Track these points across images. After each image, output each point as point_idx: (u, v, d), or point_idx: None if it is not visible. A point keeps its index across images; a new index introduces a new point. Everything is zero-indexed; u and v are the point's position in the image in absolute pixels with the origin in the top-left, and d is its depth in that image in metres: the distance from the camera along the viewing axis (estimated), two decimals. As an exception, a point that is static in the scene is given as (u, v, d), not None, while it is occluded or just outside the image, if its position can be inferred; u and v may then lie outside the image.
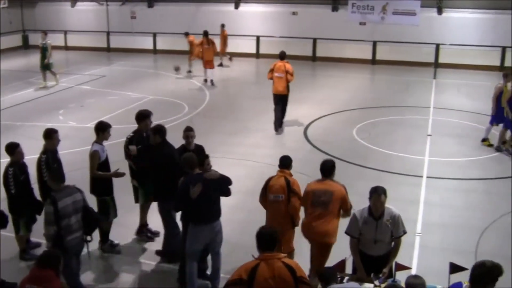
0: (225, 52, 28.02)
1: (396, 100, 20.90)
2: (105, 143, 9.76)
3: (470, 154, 15.26)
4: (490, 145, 15.70)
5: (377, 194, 7.35)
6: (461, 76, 25.98)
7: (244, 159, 14.59)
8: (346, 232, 7.69)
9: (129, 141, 10.00)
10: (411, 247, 9.90)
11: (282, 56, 17.21)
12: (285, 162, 8.89)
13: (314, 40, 29.37)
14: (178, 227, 9.42)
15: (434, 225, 11.11)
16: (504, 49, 27.22)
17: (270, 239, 6.07)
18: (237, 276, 5.92)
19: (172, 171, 9.05)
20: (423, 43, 27.90)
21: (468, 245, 10.29)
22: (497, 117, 15.52)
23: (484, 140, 15.96)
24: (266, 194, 8.72)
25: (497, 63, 27.39)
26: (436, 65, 27.80)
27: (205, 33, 24.27)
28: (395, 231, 7.48)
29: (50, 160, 9.44)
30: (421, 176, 13.55)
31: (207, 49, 23.86)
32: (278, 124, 17.01)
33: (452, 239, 10.61)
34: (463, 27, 27.99)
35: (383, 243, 7.53)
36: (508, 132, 15.46)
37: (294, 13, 29.80)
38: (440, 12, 28.57)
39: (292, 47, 28.77)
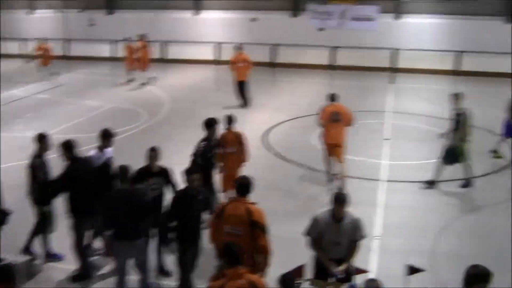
0: (145, 67, 25.45)
1: (355, 105, 20.97)
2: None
3: (427, 157, 15.50)
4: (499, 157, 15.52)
5: (339, 199, 7.41)
6: (418, 80, 26.44)
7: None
8: (305, 233, 7.69)
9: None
10: (370, 250, 10.01)
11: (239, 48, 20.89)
12: (244, 189, 7.45)
13: (274, 46, 29.53)
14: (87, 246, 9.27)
15: (392, 227, 11.26)
16: (459, 53, 27.79)
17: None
18: None
19: (87, 186, 8.88)
20: (381, 48, 28.31)
21: (426, 246, 10.46)
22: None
23: (494, 151, 15.83)
24: (219, 224, 7.42)
25: (452, 67, 27.95)
26: (394, 69, 28.22)
27: (142, 37, 24.98)
28: (355, 234, 7.56)
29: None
30: (380, 180, 13.73)
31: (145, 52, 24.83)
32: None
33: (411, 241, 10.77)
34: (419, 32, 28.53)
35: (343, 246, 7.58)
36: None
37: (253, 19, 29.91)
38: (397, 17, 29.04)
39: (252, 53, 28.74)
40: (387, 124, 18.54)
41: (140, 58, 24.82)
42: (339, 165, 13.24)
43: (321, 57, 28.93)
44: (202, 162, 10.25)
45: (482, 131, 18.22)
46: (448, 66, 28.01)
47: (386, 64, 28.40)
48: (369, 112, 20.18)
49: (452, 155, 13.03)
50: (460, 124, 12.87)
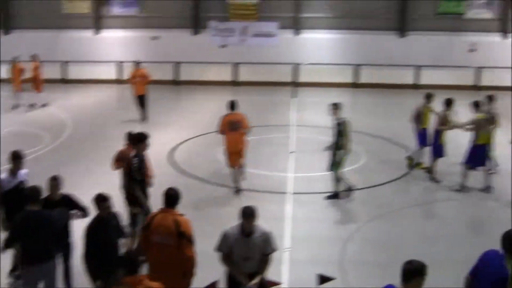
0: (40, 89, 24.29)
1: (259, 120, 21.31)
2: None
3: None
4: (424, 168, 15.60)
5: (247, 214, 7.46)
6: (319, 93, 27.09)
7: (111, 189, 14.26)
8: (216, 249, 7.71)
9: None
10: (281, 262, 10.13)
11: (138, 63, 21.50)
12: (172, 200, 7.69)
13: (176, 64, 29.46)
14: None
15: (301, 239, 11.45)
16: (356, 67, 28.83)
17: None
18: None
19: None
20: (282, 63, 28.85)
21: (334, 255, 10.71)
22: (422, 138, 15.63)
23: (417, 164, 15.95)
24: (148, 235, 7.65)
25: (351, 80, 28.96)
26: (296, 84, 28.83)
27: (34, 57, 24.09)
28: (266, 248, 7.60)
29: None
30: (286, 193, 13.94)
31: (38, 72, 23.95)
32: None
33: (319, 251, 11.00)
34: (319, 47, 29.34)
35: (254, 260, 7.60)
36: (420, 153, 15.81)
37: (154, 38, 29.73)
38: (297, 33, 29.73)
39: (155, 72, 28.60)
40: (291, 138, 18.87)
41: (32, 79, 23.87)
42: (238, 171, 13.86)
43: (224, 74, 29.14)
44: (140, 178, 10.15)
45: (382, 140, 18.92)
46: (348, 79, 29.01)
47: (288, 78, 28.99)
48: (274, 126, 20.50)
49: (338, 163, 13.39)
50: (341, 133, 13.24)
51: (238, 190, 13.86)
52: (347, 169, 15.70)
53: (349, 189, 13.54)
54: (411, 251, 10.96)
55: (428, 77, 28.50)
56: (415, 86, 28.79)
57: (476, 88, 28.23)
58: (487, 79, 28.69)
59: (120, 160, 11.07)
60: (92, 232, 7.85)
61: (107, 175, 14.62)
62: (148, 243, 7.60)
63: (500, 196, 13.86)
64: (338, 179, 13.40)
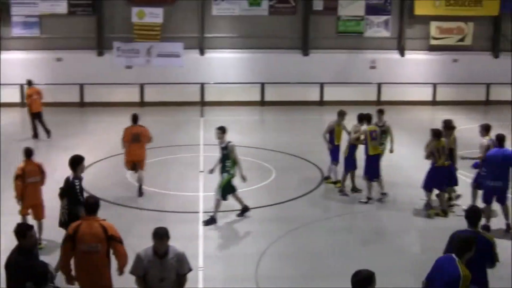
0: None
1: (167, 140, 21.25)
2: None
3: (240, 185, 16.01)
4: (334, 183, 15.87)
5: (159, 235, 7.43)
6: (226, 112, 27.29)
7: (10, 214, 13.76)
8: (131, 272, 7.62)
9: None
10: (195, 282, 10.08)
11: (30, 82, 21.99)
12: (94, 208, 8.12)
13: (81, 86, 28.87)
14: None
15: (215, 257, 11.47)
16: (262, 85, 29.30)
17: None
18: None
19: None
20: (189, 83, 28.90)
21: (249, 272, 10.78)
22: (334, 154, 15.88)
23: (326, 178, 16.27)
24: (73, 245, 7.85)
25: (258, 98, 29.40)
26: (203, 103, 28.93)
27: None
28: (181, 268, 7.58)
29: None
30: (198, 212, 13.93)
31: None
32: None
33: (234, 269, 11.05)
34: (224, 66, 29.61)
35: (169, 281, 7.56)
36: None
37: (58, 59, 29.05)
38: (202, 53, 29.88)
39: (59, 94, 28.03)
40: (201, 157, 18.89)
41: None
42: (139, 172, 15.10)
43: (131, 95, 28.80)
44: (82, 200, 9.79)
45: (291, 156, 19.27)
46: (255, 97, 29.42)
47: (195, 98, 29.06)
48: (183, 146, 20.46)
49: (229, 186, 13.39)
50: (227, 156, 13.28)
51: (140, 191, 15.12)
52: (258, 186, 15.93)
53: (245, 210, 13.57)
54: (325, 264, 11.26)
55: (332, 94, 29.40)
56: (320, 103, 29.63)
57: (377, 103, 29.30)
58: (387, 94, 29.90)
59: (21, 177, 11.49)
60: (16, 265, 7.23)
61: (6, 201, 14.05)
62: (72, 253, 7.91)
63: (400, 206, 14.42)
64: (218, 204, 13.22)
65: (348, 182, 15.43)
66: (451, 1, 30.41)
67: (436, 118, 26.61)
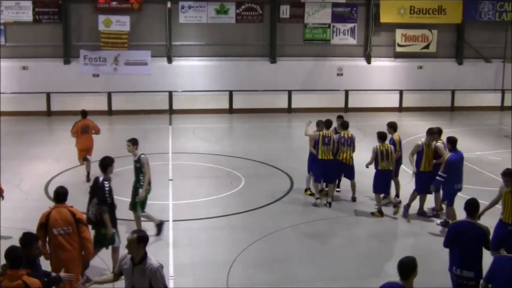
0: None
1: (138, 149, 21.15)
2: None
3: (210, 193, 16.05)
4: (312, 194, 15.66)
5: (131, 240, 7.35)
6: (194, 120, 27.31)
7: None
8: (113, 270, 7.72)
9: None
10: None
11: None
12: (63, 197, 9.09)
13: (48, 94, 28.57)
14: None
15: (185, 266, 11.44)
16: (231, 92, 29.36)
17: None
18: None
19: None
20: (157, 92, 28.83)
21: (220, 280, 10.79)
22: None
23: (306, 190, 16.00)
24: (46, 230, 8.84)
25: (226, 106, 29.45)
26: (171, 111, 28.88)
27: None
28: (155, 284, 7.35)
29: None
30: (168, 220, 13.88)
31: None
32: None
33: (205, 277, 11.03)
34: (192, 74, 29.62)
35: None
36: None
37: (24, 68, 28.72)
38: (170, 61, 29.84)
39: (25, 103, 27.74)
40: (170, 165, 18.85)
41: None
42: (87, 164, 17.09)
43: (98, 103, 28.55)
44: (110, 201, 10.43)
45: (259, 163, 19.33)
46: (223, 105, 29.45)
47: (163, 106, 28.99)
48: (153, 154, 20.33)
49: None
50: (139, 170, 12.72)
51: (89, 179, 16.44)
52: (225, 194, 15.97)
53: (161, 224, 12.97)
54: (296, 270, 11.32)
55: (300, 101, 29.61)
56: (288, 110, 29.81)
57: (345, 110, 29.60)
58: (355, 101, 30.23)
59: None
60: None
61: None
62: (46, 237, 8.89)
63: (367, 210, 14.59)
64: (139, 219, 12.76)
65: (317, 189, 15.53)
66: (415, 9, 30.92)
67: (403, 124, 26.99)
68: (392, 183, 14.84)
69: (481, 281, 8.05)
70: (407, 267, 6.85)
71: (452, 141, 13.18)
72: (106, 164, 10.81)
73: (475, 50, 32.35)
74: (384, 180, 14.38)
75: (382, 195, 14.66)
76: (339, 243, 12.91)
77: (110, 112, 28.84)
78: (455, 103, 31.61)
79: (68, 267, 8.61)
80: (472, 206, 8.82)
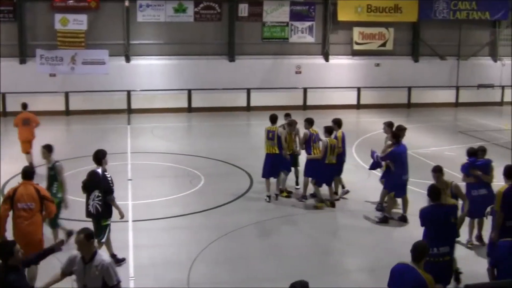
0: None
1: (94, 149, 20.51)
2: None
3: (169, 193, 16.02)
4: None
5: (76, 234, 7.38)
6: (153, 119, 27.18)
7: None
8: (62, 268, 7.62)
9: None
10: (126, 292, 10.05)
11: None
12: (30, 175, 10.08)
13: (3, 95, 28.03)
14: None
15: (145, 266, 11.41)
16: (189, 91, 29.31)
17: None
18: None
19: None
20: (115, 91, 28.58)
21: (181, 279, 10.80)
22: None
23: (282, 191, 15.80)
24: (11, 204, 9.69)
25: (185, 105, 29.37)
26: (129, 111, 28.66)
27: None
28: (108, 280, 7.36)
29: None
30: (127, 221, 13.80)
31: None
32: None
33: (165, 277, 11.03)
34: (151, 73, 29.44)
35: None
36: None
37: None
38: (128, 60, 29.61)
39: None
40: (129, 165, 18.74)
41: None
42: (29, 156, 17.97)
43: (55, 103, 28.16)
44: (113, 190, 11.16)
45: (219, 162, 19.37)
46: (182, 104, 29.37)
47: (122, 106, 28.75)
48: (112, 154, 20.10)
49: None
50: (53, 178, 12.34)
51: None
52: (184, 194, 15.97)
53: (70, 234, 12.04)
54: (257, 268, 11.40)
55: (259, 99, 29.72)
56: (247, 108, 29.90)
57: (304, 107, 29.84)
58: (313, 99, 30.48)
59: None
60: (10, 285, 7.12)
61: None
62: (10, 211, 9.71)
63: (326, 208, 14.78)
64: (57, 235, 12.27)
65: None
66: (372, 8, 31.33)
67: (361, 121, 27.41)
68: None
69: (488, 267, 8.65)
70: (419, 250, 7.49)
71: (396, 136, 13.68)
72: (100, 157, 11.31)
73: (430, 48, 32.95)
74: (330, 173, 14.75)
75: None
76: (299, 240, 13.03)
77: (67, 112, 28.49)
78: (411, 100, 32.16)
79: (28, 239, 9.49)
80: (433, 190, 9.40)
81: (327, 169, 14.64)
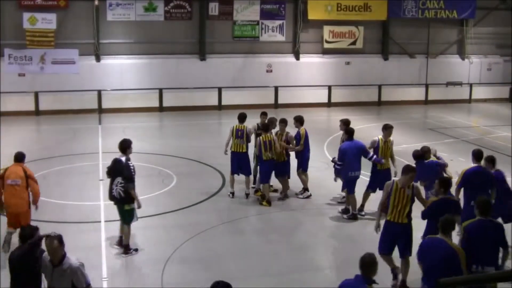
0: None
1: (64, 149, 20.83)
2: None
3: (142, 193, 15.89)
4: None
5: (49, 240, 7.36)
6: (124, 119, 27.02)
7: None
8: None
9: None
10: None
11: None
12: (20, 157, 11.87)
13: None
14: None
15: (119, 267, 11.39)
16: (160, 90, 29.21)
17: None
18: None
19: None
20: (85, 91, 28.34)
21: (154, 279, 10.80)
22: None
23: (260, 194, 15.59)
24: (3, 181, 11.50)
25: (156, 104, 29.26)
26: (100, 110, 28.46)
27: None
28: (77, 283, 7.33)
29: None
30: (99, 221, 13.76)
31: None
32: None
33: (138, 277, 11.02)
34: (121, 73, 29.28)
35: None
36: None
37: None
38: (98, 59, 29.39)
39: None
40: (100, 165, 18.62)
41: None
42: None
43: (25, 103, 27.82)
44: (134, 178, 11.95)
45: (191, 161, 19.36)
46: (153, 103, 29.25)
47: (92, 105, 28.52)
48: (82, 154, 20.09)
49: None
50: None
51: None
52: (158, 193, 15.93)
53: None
54: (230, 266, 11.45)
55: (230, 98, 29.75)
56: (219, 107, 29.91)
57: (275, 106, 29.97)
58: (284, 97, 30.62)
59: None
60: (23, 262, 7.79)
61: None
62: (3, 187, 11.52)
63: (295, 206, 14.89)
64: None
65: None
66: (342, 6, 31.58)
67: (332, 119, 27.60)
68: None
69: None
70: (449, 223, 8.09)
71: (349, 132, 14.00)
72: (125, 146, 12.06)
73: (399, 46, 33.33)
74: (268, 169, 14.88)
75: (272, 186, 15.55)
76: (271, 237, 13.11)
77: (37, 112, 28.17)
78: (381, 98, 32.48)
79: (17, 210, 11.58)
80: (445, 183, 9.96)
81: (265, 165, 14.80)
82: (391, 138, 14.20)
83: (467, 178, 11.26)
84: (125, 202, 11.67)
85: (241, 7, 30.71)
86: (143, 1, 29.42)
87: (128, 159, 11.86)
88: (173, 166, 18.63)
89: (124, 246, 11.84)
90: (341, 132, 15.01)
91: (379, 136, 14.17)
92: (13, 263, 7.86)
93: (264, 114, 16.21)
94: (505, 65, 35.04)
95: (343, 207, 14.38)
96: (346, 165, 13.77)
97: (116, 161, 11.92)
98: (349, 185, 13.89)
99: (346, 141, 13.94)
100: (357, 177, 13.93)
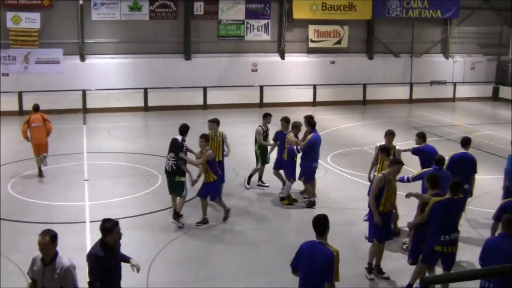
0: None
1: (49, 149, 20.66)
2: None
3: (127, 193, 15.93)
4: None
5: (41, 235, 7.30)
6: (109, 119, 26.92)
7: None
8: (28, 274, 7.51)
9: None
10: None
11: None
12: (37, 107, 17.43)
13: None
14: None
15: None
16: (145, 90, 29.14)
17: None
18: None
19: None
20: (70, 90, 28.20)
21: (139, 280, 10.76)
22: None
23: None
24: (29, 124, 16.97)
25: (141, 104, 29.18)
26: (85, 110, 28.33)
27: None
28: (64, 283, 7.26)
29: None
30: (85, 222, 13.72)
31: None
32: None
33: (124, 277, 10.89)
34: (106, 72, 29.16)
35: None
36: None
37: None
38: (83, 59, 29.26)
39: None
40: (85, 165, 18.58)
41: None
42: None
43: (8, 104, 27.47)
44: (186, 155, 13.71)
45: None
46: (138, 103, 29.17)
47: (77, 105, 28.38)
48: (67, 155, 20.01)
49: None
50: None
51: None
52: (143, 193, 15.89)
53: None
54: (215, 266, 11.48)
55: (216, 97, 29.77)
56: (204, 107, 29.88)
57: (260, 105, 30.00)
58: (270, 97, 30.65)
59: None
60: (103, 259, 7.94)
61: None
62: (28, 128, 17.03)
63: (280, 205, 14.94)
64: None
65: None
66: (327, 6, 31.68)
67: (317, 118, 27.59)
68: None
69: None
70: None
71: (311, 124, 14.73)
72: (182, 130, 13.82)
73: (384, 45, 33.51)
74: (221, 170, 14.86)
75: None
76: (257, 237, 13.14)
77: (21, 112, 27.90)
78: (366, 97, 32.63)
79: (40, 143, 17.29)
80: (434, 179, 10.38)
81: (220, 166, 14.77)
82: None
83: (453, 162, 12.64)
84: (177, 174, 13.30)
85: (226, 7, 30.71)
86: (128, 1, 29.33)
87: (183, 140, 13.62)
88: (158, 165, 18.53)
89: (176, 213, 13.35)
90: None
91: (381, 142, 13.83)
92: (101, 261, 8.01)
93: (267, 116, 16.13)
94: (488, 64, 35.39)
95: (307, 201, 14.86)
96: (311, 156, 14.48)
97: (173, 140, 13.70)
98: (311, 175, 14.66)
99: (313, 133, 14.49)
100: (317, 167, 14.83)
